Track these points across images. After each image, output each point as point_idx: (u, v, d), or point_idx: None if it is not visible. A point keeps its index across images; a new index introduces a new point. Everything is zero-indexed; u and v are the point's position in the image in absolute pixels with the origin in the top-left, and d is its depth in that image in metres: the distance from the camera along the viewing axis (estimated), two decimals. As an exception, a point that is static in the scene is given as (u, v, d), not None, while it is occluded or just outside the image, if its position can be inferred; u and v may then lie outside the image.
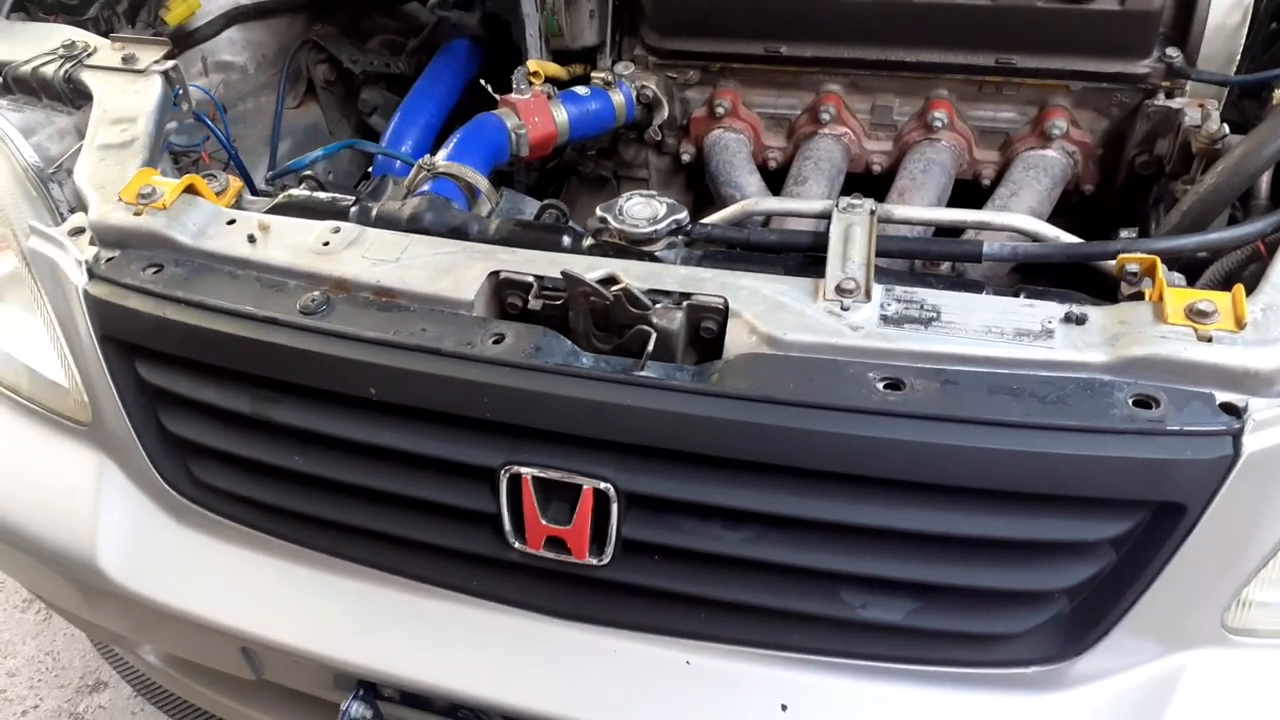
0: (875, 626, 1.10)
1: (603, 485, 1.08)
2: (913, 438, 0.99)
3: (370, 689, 1.30)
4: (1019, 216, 1.30)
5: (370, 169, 1.79)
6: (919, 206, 1.55)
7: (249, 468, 1.26)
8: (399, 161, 1.68)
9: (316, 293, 1.19)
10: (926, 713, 1.12)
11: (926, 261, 1.36)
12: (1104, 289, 1.18)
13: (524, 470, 1.10)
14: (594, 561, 1.12)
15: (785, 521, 1.07)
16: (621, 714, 1.16)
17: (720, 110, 1.86)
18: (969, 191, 1.76)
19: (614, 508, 1.08)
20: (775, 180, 1.80)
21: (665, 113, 1.92)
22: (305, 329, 1.16)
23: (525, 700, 1.17)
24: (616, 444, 1.07)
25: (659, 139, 1.98)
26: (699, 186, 2.04)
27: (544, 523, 1.11)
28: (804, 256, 1.24)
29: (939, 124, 1.71)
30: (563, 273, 1.10)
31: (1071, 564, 1.05)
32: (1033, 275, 1.45)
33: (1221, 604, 1.06)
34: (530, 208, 1.57)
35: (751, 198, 1.52)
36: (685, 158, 1.96)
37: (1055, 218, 1.61)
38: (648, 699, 1.16)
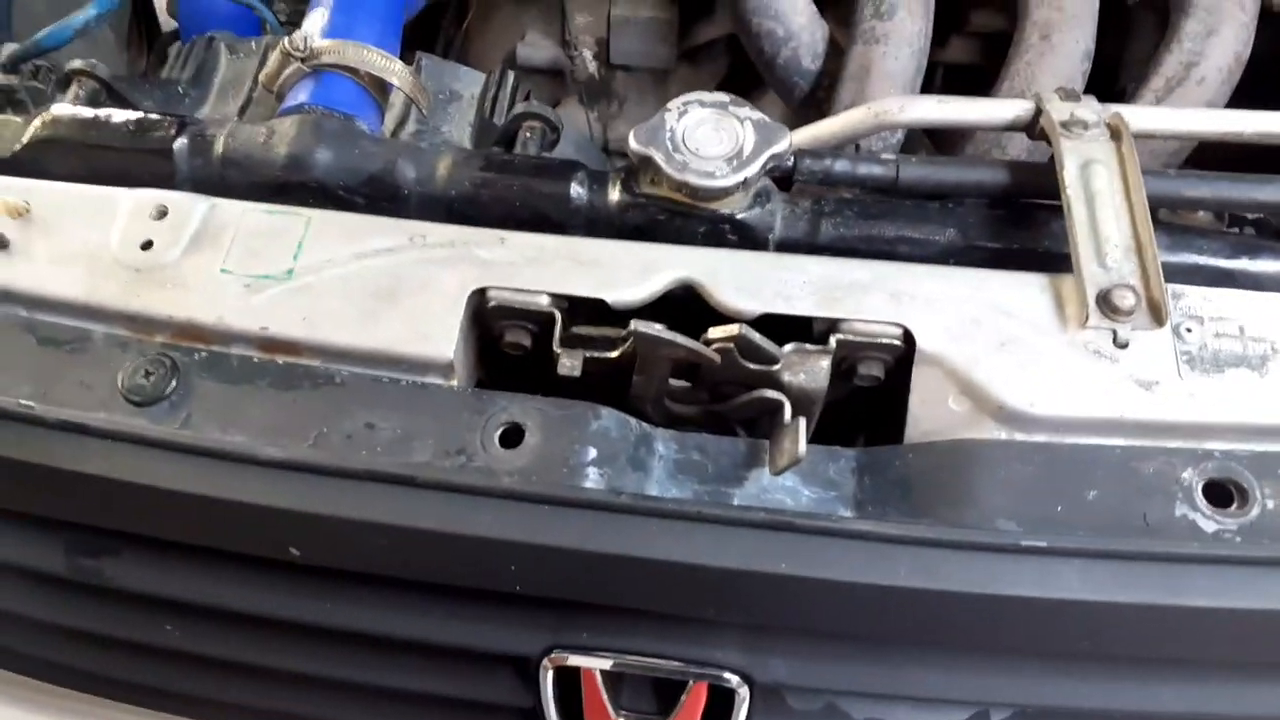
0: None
1: (725, 676, 0.64)
2: (1263, 605, 0.58)
3: None
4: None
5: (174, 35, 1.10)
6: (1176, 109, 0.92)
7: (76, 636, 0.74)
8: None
9: (150, 353, 0.65)
10: None
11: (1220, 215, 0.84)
12: None
13: (584, 661, 0.64)
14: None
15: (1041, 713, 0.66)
16: None
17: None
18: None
19: (743, 709, 0.65)
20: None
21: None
22: (142, 441, 0.62)
23: None
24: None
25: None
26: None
27: (617, 720, 0.67)
28: (994, 213, 0.74)
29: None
30: (633, 331, 0.59)
31: None
32: None
33: None
34: (468, 86, 0.96)
35: (880, 99, 0.91)
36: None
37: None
38: None
